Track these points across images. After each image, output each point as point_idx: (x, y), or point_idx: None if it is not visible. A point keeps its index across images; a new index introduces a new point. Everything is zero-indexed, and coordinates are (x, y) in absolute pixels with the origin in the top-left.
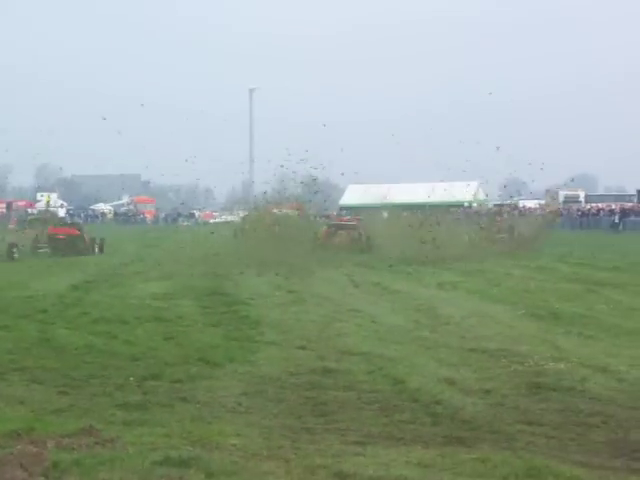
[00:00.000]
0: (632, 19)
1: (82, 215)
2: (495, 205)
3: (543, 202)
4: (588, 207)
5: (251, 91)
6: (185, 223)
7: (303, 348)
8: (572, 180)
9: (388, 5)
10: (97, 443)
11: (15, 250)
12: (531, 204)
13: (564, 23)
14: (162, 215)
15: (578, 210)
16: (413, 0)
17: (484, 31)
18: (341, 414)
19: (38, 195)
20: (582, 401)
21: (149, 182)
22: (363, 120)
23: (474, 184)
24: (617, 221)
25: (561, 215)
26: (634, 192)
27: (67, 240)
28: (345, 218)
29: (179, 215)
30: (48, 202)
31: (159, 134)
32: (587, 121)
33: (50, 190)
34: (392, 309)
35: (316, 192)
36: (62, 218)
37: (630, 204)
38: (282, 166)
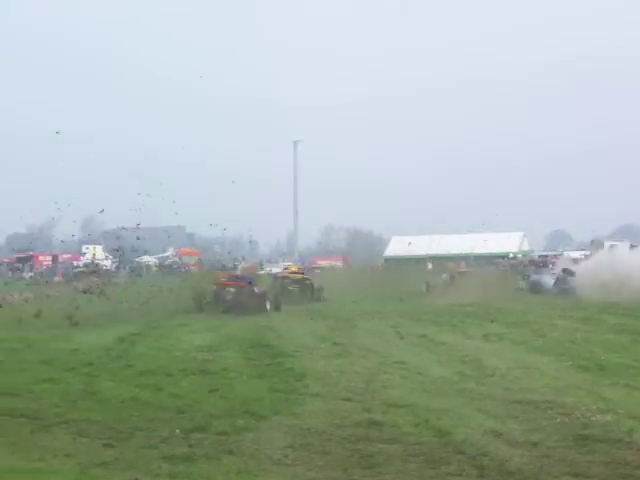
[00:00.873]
0: None
1: (127, 267)
2: (540, 256)
3: (588, 252)
4: None
5: (295, 143)
6: None
7: (348, 400)
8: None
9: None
10: None
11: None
12: (576, 254)
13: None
14: (206, 267)
15: None
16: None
17: (530, 94)
18: (387, 466)
19: (83, 247)
20: (629, 453)
21: (194, 234)
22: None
23: (519, 234)
24: None
25: None
26: None
27: (235, 294)
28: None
29: (223, 267)
30: (94, 254)
31: (207, 187)
32: (633, 173)
33: (95, 243)
34: (438, 361)
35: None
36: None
37: None
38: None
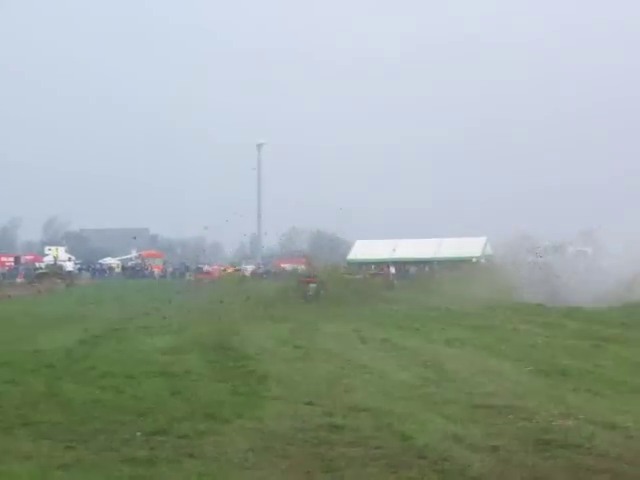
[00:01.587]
0: None
1: (89, 269)
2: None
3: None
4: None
5: (259, 146)
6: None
7: (310, 403)
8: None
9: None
10: None
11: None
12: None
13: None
14: (170, 269)
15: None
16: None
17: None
18: (348, 470)
19: (46, 249)
20: (590, 458)
21: (157, 236)
22: (369, 172)
23: (482, 239)
24: None
25: None
26: None
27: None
28: None
29: (187, 269)
30: (56, 256)
31: (168, 189)
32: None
33: (58, 244)
34: (400, 365)
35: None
36: None
37: None
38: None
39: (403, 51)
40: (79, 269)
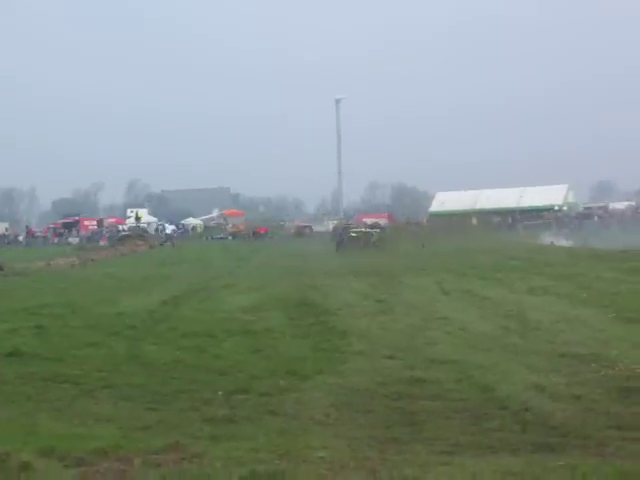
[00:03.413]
0: None
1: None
2: (585, 208)
3: (633, 203)
4: None
5: (337, 101)
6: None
7: (391, 357)
8: None
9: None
10: (184, 459)
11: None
12: (621, 206)
13: None
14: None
15: None
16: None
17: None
18: (429, 423)
19: (128, 211)
20: None
21: (238, 195)
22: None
23: (564, 187)
24: None
25: None
26: None
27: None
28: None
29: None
30: (139, 217)
31: (249, 148)
32: None
33: (140, 206)
34: (481, 316)
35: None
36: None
37: None
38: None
39: None
40: (161, 231)
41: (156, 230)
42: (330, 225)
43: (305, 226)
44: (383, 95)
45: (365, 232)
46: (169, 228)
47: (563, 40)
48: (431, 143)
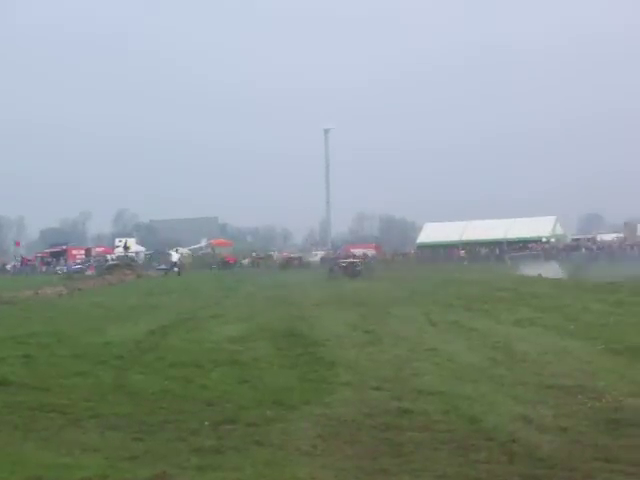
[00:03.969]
0: None
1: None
2: (573, 239)
3: (621, 235)
4: None
5: (326, 132)
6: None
7: (378, 388)
8: None
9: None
10: None
11: None
12: (609, 237)
13: None
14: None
15: None
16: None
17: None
18: (417, 454)
19: (116, 240)
20: None
21: (226, 225)
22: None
23: (552, 219)
24: None
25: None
26: None
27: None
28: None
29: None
30: (128, 247)
31: (237, 178)
32: None
33: (128, 236)
34: (469, 347)
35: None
36: None
37: None
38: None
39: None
40: (149, 260)
41: (151, 258)
42: (318, 256)
43: (293, 257)
44: (371, 127)
45: (352, 262)
46: (175, 256)
47: (548, 78)
48: (420, 175)
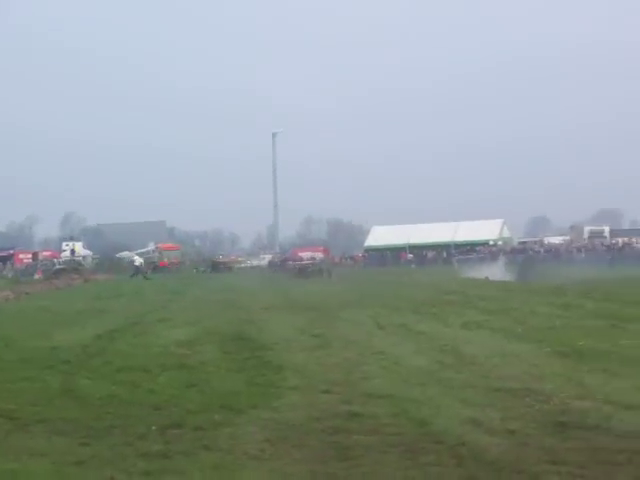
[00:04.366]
0: None
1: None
2: (520, 242)
3: (568, 238)
4: (613, 242)
5: (274, 135)
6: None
7: (327, 392)
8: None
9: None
10: None
11: None
12: (556, 240)
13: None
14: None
15: (603, 245)
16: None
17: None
18: (365, 458)
19: (63, 244)
20: (608, 439)
21: (174, 229)
22: (387, 160)
23: (499, 222)
24: None
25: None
26: None
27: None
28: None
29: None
30: (74, 251)
31: (185, 181)
32: (610, 156)
33: (75, 239)
34: (417, 350)
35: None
36: None
37: None
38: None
39: None
40: (96, 264)
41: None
42: (266, 259)
43: (219, 262)
44: (319, 132)
45: (314, 263)
46: (137, 260)
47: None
48: (369, 180)
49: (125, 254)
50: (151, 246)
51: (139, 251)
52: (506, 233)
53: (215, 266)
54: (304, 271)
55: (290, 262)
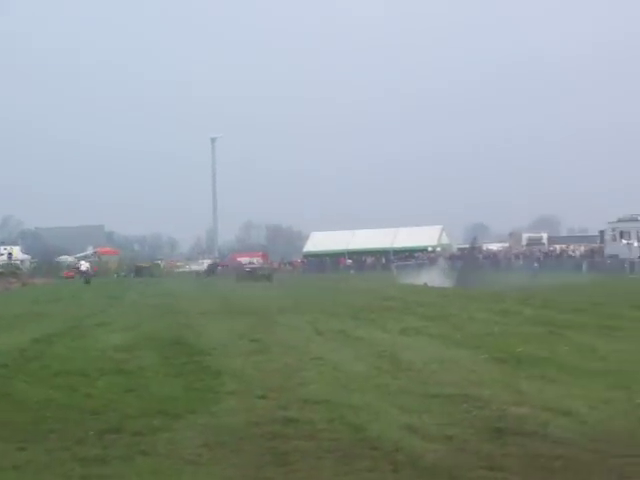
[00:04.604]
0: None
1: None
2: (459, 249)
3: (507, 244)
4: (551, 249)
5: (213, 140)
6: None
7: (264, 397)
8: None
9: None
10: None
11: None
12: (494, 247)
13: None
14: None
15: (540, 251)
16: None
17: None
18: (302, 463)
19: (1, 248)
20: (544, 445)
21: (113, 233)
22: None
23: (438, 228)
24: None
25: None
26: (597, 233)
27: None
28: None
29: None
30: (11, 255)
31: (123, 185)
32: (548, 164)
33: (13, 243)
34: (355, 356)
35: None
36: None
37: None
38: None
39: None
40: (35, 268)
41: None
42: (205, 264)
43: (143, 266)
44: (259, 137)
45: (259, 267)
46: (84, 265)
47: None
48: (305, 185)
49: (64, 258)
50: (89, 250)
51: (78, 255)
52: (445, 239)
53: (138, 271)
54: (253, 274)
55: (229, 266)
